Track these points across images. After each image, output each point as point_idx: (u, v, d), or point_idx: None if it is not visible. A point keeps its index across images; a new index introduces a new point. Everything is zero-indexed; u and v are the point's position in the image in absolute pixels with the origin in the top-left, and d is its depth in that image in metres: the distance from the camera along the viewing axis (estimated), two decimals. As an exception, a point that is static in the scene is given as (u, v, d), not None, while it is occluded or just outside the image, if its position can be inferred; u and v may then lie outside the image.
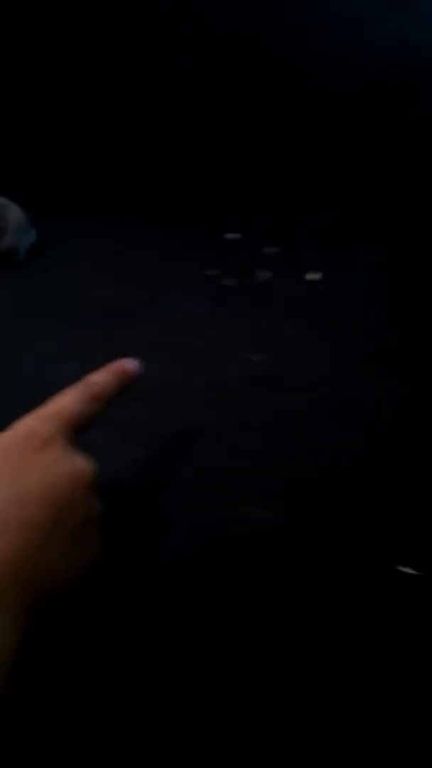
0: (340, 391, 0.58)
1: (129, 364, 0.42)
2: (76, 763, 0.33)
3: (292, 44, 0.91)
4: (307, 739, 0.34)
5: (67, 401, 0.37)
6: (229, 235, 0.86)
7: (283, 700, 0.35)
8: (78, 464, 0.34)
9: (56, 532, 0.32)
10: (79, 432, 0.37)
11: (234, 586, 0.41)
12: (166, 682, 0.37)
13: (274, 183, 0.94)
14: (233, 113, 0.90)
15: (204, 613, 0.40)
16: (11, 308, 0.68)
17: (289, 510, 0.46)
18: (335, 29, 0.92)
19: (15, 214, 0.75)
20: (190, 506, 0.47)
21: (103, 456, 0.36)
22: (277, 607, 0.40)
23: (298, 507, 0.47)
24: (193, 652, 0.38)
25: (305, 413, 0.56)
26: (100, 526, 0.35)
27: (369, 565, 0.42)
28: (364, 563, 0.42)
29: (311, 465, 0.50)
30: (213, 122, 0.91)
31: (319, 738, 0.34)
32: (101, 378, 0.40)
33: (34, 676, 0.35)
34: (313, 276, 0.79)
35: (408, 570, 0.41)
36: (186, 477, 0.50)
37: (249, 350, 0.64)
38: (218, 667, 0.37)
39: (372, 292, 0.75)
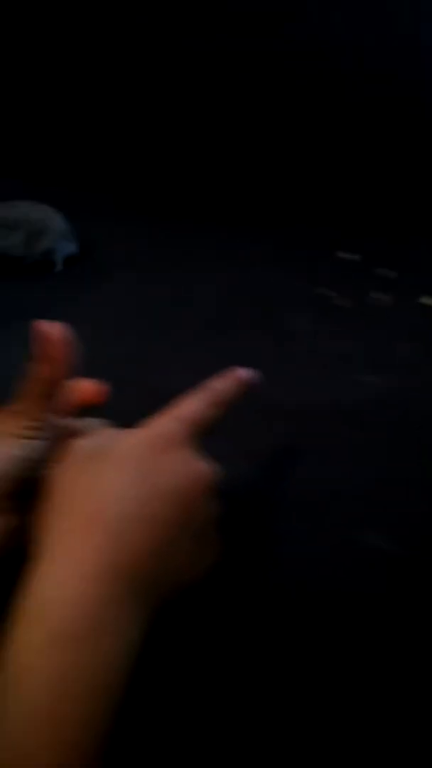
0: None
1: (247, 374, 0.42)
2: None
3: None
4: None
5: (191, 405, 0.38)
6: (343, 254, 0.85)
7: (404, 726, 0.34)
8: (202, 467, 0.35)
9: (182, 532, 0.33)
10: (199, 437, 0.38)
11: (345, 610, 0.40)
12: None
13: (390, 203, 0.93)
14: (349, 132, 0.90)
15: (312, 639, 0.39)
16: (113, 319, 0.70)
17: (404, 537, 0.45)
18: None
19: (56, 222, 0.76)
20: (298, 525, 0.47)
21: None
22: (390, 635, 0.39)
23: (413, 534, 0.45)
24: (306, 672, 0.37)
25: (421, 438, 0.54)
26: (218, 530, 0.36)
27: None
28: None
29: (428, 491, 0.48)
30: (331, 139, 0.90)
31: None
32: (222, 384, 0.41)
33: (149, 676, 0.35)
34: (428, 300, 0.77)
35: None
36: (295, 496, 0.49)
37: (363, 371, 0.63)
38: (331, 694, 0.36)
39: None
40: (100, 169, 0.96)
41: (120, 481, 0.33)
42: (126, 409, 0.41)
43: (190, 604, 0.37)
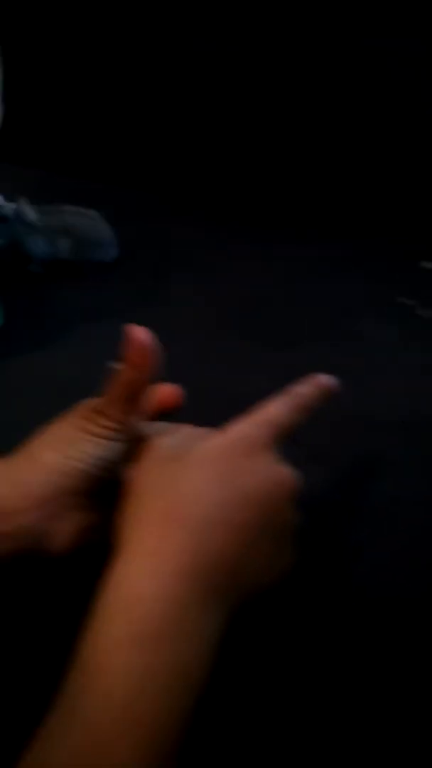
0: None
1: (328, 380, 0.42)
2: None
3: None
4: None
5: (275, 409, 0.38)
6: (425, 264, 0.83)
7: None
8: (285, 472, 0.35)
9: (264, 536, 0.33)
10: (281, 442, 0.38)
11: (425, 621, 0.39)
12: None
13: None
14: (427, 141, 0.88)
15: (386, 645, 0.38)
16: (192, 321, 0.70)
17: None
18: None
19: (101, 228, 0.77)
20: (379, 536, 0.46)
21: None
22: None
23: None
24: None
25: None
26: (296, 536, 0.36)
27: None
28: None
29: None
30: (411, 150, 0.89)
31: None
32: (305, 390, 0.40)
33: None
34: None
35: None
36: (376, 506, 0.48)
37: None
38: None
39: None
40: (151, 171, 0.97)
41: (201, 483, 0.33)
42: (203, 413, 0.41)
43: (267, 607, 0.37)
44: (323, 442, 0.52)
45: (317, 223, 0.85)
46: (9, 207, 0.71)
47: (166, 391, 0.45)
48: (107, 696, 0.28)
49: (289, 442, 0.39)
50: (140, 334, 0.37)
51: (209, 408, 0.42)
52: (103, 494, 0.38)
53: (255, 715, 0.36)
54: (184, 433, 0.39)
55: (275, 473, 0.35)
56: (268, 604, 0.36)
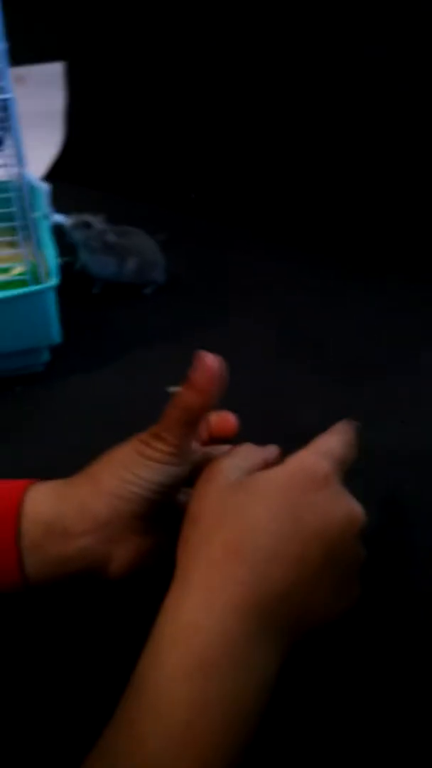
0: None
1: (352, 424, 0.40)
2: None
3: None
4: None
5: (335, 442, 0.37)
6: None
7: None
8: (352, 507, 0.34)
9: (326, 571, 0.33)
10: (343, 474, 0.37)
11: None
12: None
13: None
14: None
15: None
16: (249, 348, 0.69)
17: None
18: None
19: (158, 252, 0.78)
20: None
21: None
22: None
23: None
24: None
25: None
26: (361, 572, 0.35)
27: None
28: None
29: None
30: None
31: None
32: (349, 427, 0.39)
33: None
34: None
35: None
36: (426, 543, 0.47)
37: None
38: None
39: None
40: (207, 195, 0.98)
41: (263, 516, 0.33)
42: (257, 442, 0.41)
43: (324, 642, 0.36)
44: (381, 479, 0.52)
45: (377, 255, 0.84)
46: (74, 226, 0.72)
47: (222, 419, 0.45)
48: (166, 723, 0.29)
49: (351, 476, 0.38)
50: (210, 360, 0.38)
51: (264, 437, 0.41)
52: (160, 519, 0.39)
53: (321, 741, 0.36)
54: (244, 453, 0.38)
55: (340, 507, 0.34)
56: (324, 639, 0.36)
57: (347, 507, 0.34)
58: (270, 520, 0.33)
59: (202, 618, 0.31)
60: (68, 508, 0.38)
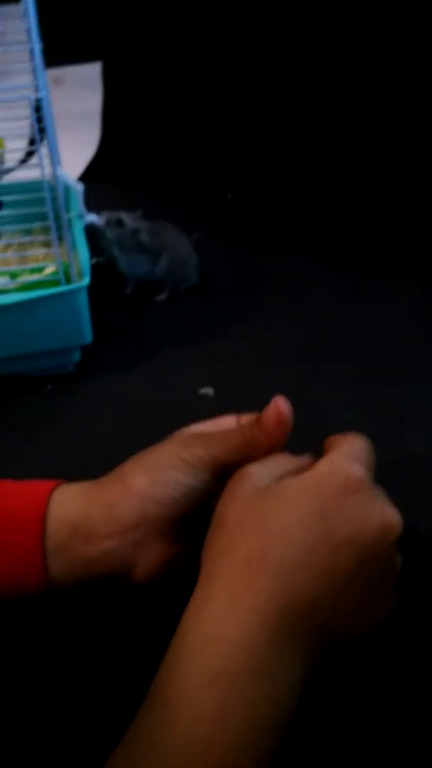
0: None
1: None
2: None
3: None
4: None
5: (361, 446, 0.36)
6: None
7: None
8: (388, 513, 0.33)
9: (358, 581, 0.32)
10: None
11: None
12: None
13: None
14: None
15: None
16: (279, 350, 0.69)
17: None
18: None
19: (192, 252, 0.77)
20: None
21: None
22: None
23: None
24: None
25: None
26: (397, 581, 0.34)
27: None
28: None
29: None
30: None
31: None
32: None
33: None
34: None
35: None
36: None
37: None
38: None
39: None
40: (239, 196, 0.97)
41: (291, 523, 0.32)
42: (287, 445, 0.40)
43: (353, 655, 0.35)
44: (404, 483, 0.50)
45: (413, 258, 0.83)
46: (107, 224, 0.72)
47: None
48: (188, 733, 0.28)
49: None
50: (282, 404, 0.38)
51: (295, 440, 0.40)
52: (189, 525, 0.38)
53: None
54: (276, 461, 0.37)
55: (374, 514, 0.32)
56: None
57: (382, 513, 0.32)
58: (297, 527, 0.32)
59: (224, 627, 0.30)
60: (95, 510, 0.37)
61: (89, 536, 0.37)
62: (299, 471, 0.36)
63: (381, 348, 0.68)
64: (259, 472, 0.36)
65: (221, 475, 0.38)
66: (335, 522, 0.32)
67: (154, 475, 0.37)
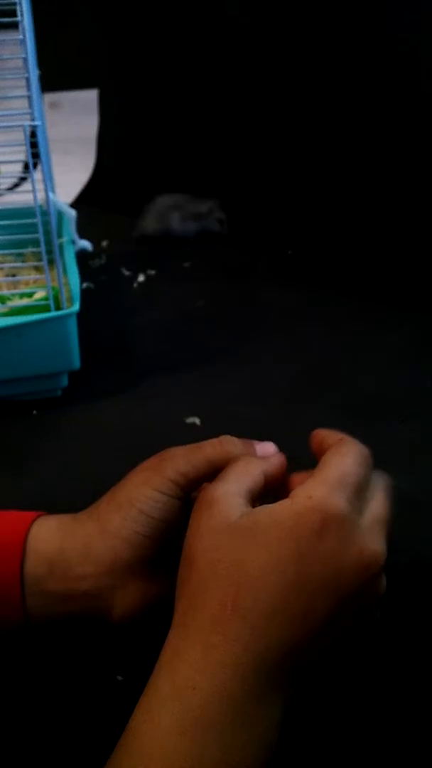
0: None
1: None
2: None
3: None
4: None
5: (348, 465, 0.34)
6: None
7: None
8: (366, 550, 0.31)
9: (336, 624, 0.31)
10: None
11: None
12: None
13: None
14: None
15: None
16: (271, 383, 0.68)
17: None
18: None
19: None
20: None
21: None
22: None
23: None
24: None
25: None
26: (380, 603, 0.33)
27: None
28: None
29: None
30: None
31: None
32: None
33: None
34: None
35: None
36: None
37: None
38: None
39: None
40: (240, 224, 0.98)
41: (264, 565, 0.30)
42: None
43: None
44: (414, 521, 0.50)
45: (404, 290, 0.83)
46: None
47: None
48: None
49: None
50: (275, 456, 0.39)
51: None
52: (164, 564, 0.37)
53: None
54: (240, 475, 0.35)
55: (351, 553, 0.31)
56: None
57: (360, 551, 0.31)
58: (271, 572, 0.30)
59: (198, 677, 0.29)
60: (72, 548, 0.36)
61: (64, 575, 0.36)
62: (268, 479, 0.35)
63: (370, 380, 0.68)
64: (226, 495, 0.33)
65: (189, 502, 0.37)
66: (311, 565, 0.30)
67: (125, 512, 0.36)
